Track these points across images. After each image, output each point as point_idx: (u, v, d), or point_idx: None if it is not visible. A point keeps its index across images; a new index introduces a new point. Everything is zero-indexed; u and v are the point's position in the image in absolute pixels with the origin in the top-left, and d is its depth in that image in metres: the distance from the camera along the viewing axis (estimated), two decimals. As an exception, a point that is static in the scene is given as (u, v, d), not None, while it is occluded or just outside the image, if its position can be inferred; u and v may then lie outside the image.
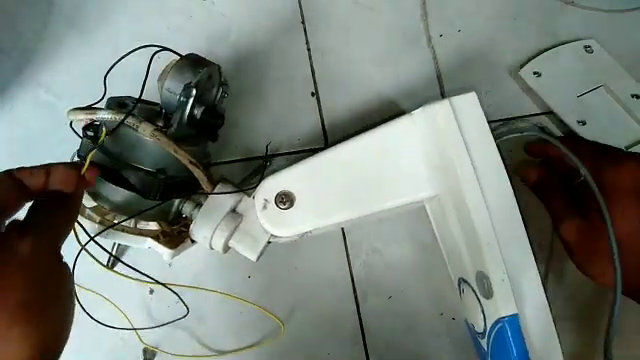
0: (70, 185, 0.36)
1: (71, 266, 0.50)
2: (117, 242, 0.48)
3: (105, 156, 0.42)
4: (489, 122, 0.44)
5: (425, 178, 0.45)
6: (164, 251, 0.44)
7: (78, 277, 0.50)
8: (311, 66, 0.60)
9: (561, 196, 0.46)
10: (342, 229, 0.54)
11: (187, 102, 0.41)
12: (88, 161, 0.37)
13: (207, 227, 0.43)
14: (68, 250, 0.51)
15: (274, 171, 0.50)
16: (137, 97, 0.42)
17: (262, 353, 0.51)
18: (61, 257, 0.34)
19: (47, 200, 0.34)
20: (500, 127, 0.48)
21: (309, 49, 0.60)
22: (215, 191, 0.44)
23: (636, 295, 0.41)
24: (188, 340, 0.51)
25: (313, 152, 0.50)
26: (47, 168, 0.35)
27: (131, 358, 0.50)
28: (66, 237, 0.35)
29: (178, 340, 0.51)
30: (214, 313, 0.52)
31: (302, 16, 0.62)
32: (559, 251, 0.47)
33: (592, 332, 0.52)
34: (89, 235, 0.40)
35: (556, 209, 0.46)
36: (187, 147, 0.42)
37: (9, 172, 0.34)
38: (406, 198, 0.45)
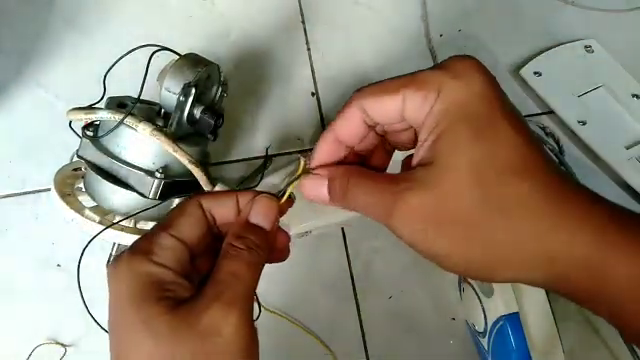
0: (271, 219, 0.28)
1: (75, 266, 0.50)
2: (117, 242, 0.48)
3: (105, 156, 0.42)
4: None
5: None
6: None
7: (81, 276, 0.50)
8: (311, 66, 0.60)
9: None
10: (342, 229, 0.54)
11: (186, 101, 0.41)
12: (289, 191, 0.29)
13: (207, 227, 0.43)
14: (70, 251, 0.51)
15: (274, 171, 0.50)
16: (136, 97, 0.42)
17: (262, 352, 0.51)
18: (254, 325, 0.26)
19: (238, 245, 0.27)
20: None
21: (309, 49, 0.60)
22: (215, 191, 0.44)
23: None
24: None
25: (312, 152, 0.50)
26: (236, 194, 0.29)
27: None
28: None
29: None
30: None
31: (302, 16, 0.62)
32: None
33: (592, 332, 0.51)
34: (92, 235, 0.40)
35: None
36: (186, 146, 0.41)
37: (197, 200, 0.28)
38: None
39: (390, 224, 0.25)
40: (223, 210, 0.28)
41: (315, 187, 0.28)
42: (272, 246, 0.28)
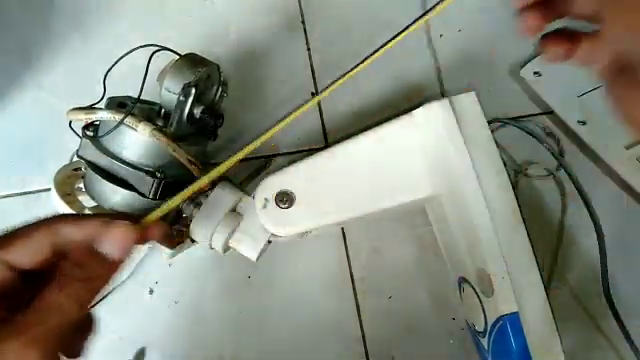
0: (126, 250, 0.26)
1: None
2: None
3: (105, 156, 0.42)
4: (489, 122, 0.44)
5: (425, 178, 0.45)
6: (164, 251, 0.44)
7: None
8: (311, 66, 0.60)
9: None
10: (342, 229, 0.54)
11: (186, 101, 0.41)
12: (155, 215, 0.27)
13: (207, 227, 0.43)
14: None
15: (274, 171, 0.50)
16: (136, 97, 0.42)
17: (262, 352, 0.51)
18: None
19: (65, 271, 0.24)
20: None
21: (309, 49, 0.60)
22: (215, 190, 0.44)
23: None
24: (187, 339, 0.51)
25: (313, 152, 0.50)
26: (99, 221, 0.25)
27: (127, 356, 0.50)
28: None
29: (177, 338, 0.51)
30: (213, 312, 0.52)
31: (302, 16, 0.62)
32: (560, 250, 0.47)
33: (592, 332, 0.52)
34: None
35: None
36: (186, 146, 0.42)
37: (51, 221, 0.25)
38: (406, 198, 0.45)
39: None
40: (79, 235, 0.25)
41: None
42: (110, 278, 0.25)
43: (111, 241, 0.25)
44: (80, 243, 0.25)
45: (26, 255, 0.24)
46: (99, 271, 0.24)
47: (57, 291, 0.23)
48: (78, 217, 0.26)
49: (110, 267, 0.25)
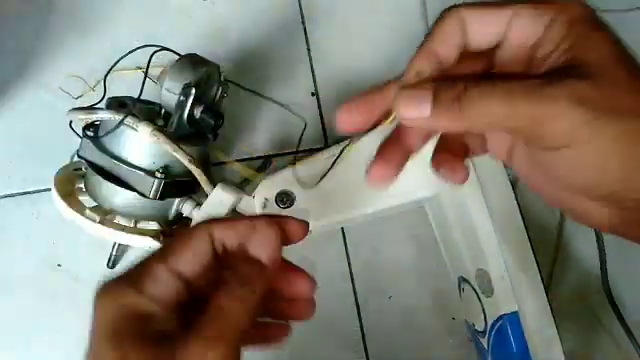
0: (268, 252, 0.25)
1: (75, 266, 0.50)
2: (117, 242, 0.48)
3: (105, 156, 0.42)
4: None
5: (425, 178, 0.45)
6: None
7: (80, 276, 0.50)
8: (311, 66, 0.60)
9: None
10: (342, 229, 0.54)
11: (186, 102, 0.41)
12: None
13: (207, 227, 0.43)
14: (71, 251, 0.51)
15: (274, 171, 0.50)
16: (137, 97, 0.42)
17: (262, 352, 0.51)
18: None
19: (229, 276, 0.24)
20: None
21: (309, 49, 0.60)
22: (215, 190, 0.44)
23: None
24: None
25: (313, 152, 0.50)
26: (252, 221, 0.26)
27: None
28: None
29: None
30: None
31: (302, 16, 0.62)
32: (560, 250, 0.47)
33: (592, 332, 0.52)
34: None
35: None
36: (187, 146, 0.42)
37: (208, 231, 0.25)
38: (406, 198, 0.45)
39: (539, 118, 0.20)
40: (236, 240, 0.25)
41: (415, 100, 0.22)
42: (269, 280, 0.25)
43: (257, 244, 0.25)
44: (235, 248, 0.25)
45: (191, 264, 0.24)
46: (252, 275, 0.24)
47: (221, 294, 0.23)
48: (229, 220, 0.26)
49: (261, 268, 0.25)
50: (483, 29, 0.23)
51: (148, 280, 0.23)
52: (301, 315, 0.28)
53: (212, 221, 0.26)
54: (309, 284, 0.28)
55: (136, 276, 0.24)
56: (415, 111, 0.22)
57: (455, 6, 0.23)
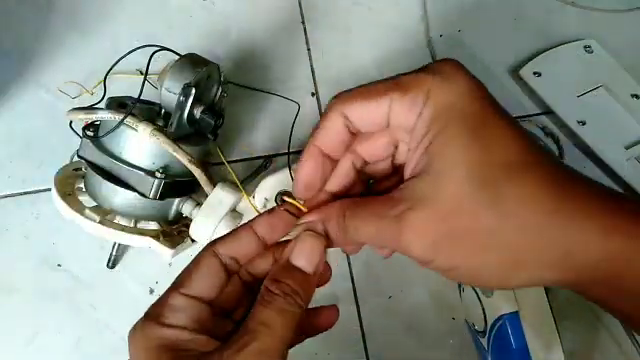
0: (314, 262, 0.26)
1: (75, 266, 0.50)
2: (117, 242, 0.48)
3: (105, 156, 0.42)
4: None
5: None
6: (164, 251, 0.44)
7: (80, 276, 0.50)
8: (311, 66, 0.60)
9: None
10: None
11: (186, 102, 0.41)
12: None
13: (207, 226, 0.43)
14: (71, 251, 0.51)
15: (274, 171, 0.50)
16: (136, 97, 0.42)
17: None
18: None
19: (274, 289, 0.25)
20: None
21: (309, 49, 0.60)
22: (215, 190, 0.44)
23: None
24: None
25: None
26: (252, 227, 0.27)
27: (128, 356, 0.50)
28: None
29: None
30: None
31: (302, 16, 0.62)
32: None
33: (592, 332, 0.52)
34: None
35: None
36: (187, 146, 0.42)
37: (213, 249, 0.26)
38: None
39: (400, 248, 0.24)
40: (243, 249, 0.26)
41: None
42: (313, 290, 0.26)
43: (302, 253, 0.26)
44: (254, 252, 0.27)
45: (204, 284, 0.26)
46: (295, 287, 0.25)
47: (265, 309, 0.24)
48: (229, 233, 0.27)
49: (306, 281, 0.25)
50: (365, 120, 0.25)
51: (167, 311, 0.25)
52: (327, 324, 0.30)
53: (215, 240, 0.27)
54: (330, 272, 0.30)
55: (157, 309, 0.25)
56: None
57: (338, 95, 0.25)
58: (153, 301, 0.26)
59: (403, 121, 0.24)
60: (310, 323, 0.29)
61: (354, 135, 0.26)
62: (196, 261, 0.26)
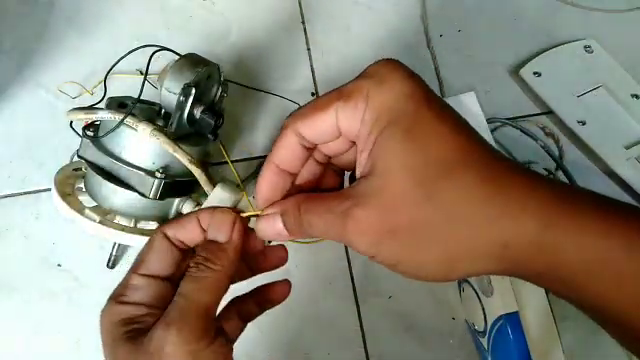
0: (226, 231, 0.28)
1: (76, 266, 0.50)
2: (117, 242, 0.48)
3: (105, 156, 0.42)
4: (488, 121, 0.44)
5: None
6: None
7: (80, 276, 0.50)
8: (311, 66, 0.60)
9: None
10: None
11: (186, 101, 0.41)
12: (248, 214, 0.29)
13: (207, 227, 0.43)
14: (71, 251, 0.51)
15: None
16: (137, 97, 0.42)
17: (262, 352, 0.51)
18: (211, 337, 0.26)
19: (190, 264, 0.27)
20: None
21: (309, 49, 0.60)
22: (215, 190, 0.44)
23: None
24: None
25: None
26: (196, 215, 0.29)
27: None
28: (216, 306, 0.28)
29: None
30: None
31: (302, 16, 0.62)
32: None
33: (592, 332, 0.51)
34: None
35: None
36: (186, 146, 0.42)
37: (162, 231, 0.29)
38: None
39: (346, 242, 0.25)
40: (188, 234, 0.28)
41: (271, 227, 0.28)
42: (236, 257, 0.28)
43: (214, 227, 0.28)
44: (197, 238, 0.29)
45: (159, 264, 0.28)
46: (207, 256, 0.27)
47: (183, 282, 0.27)
48: (177, 220, 0.29)
49: (220, 247, 0.28)
50: (318, 134, 0.26)
51: (126, 290, 0.27)
52: (275, 266, 0.32)
53: (168, 223, 0.29)
54: (282, 250, 0.32)
55: (118, 290, 0.28)
56: (275, 235, 0.28)
57: (291, 114, 0.26)
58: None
59: (350, 128, 0.25)
60: (264, 297, 0.33)
61: (311, 150, 0.27)
62: (149, 243, 0.28)
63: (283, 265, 0.32)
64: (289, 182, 0.28)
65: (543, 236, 0.22)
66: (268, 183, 0.28)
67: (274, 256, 0.32)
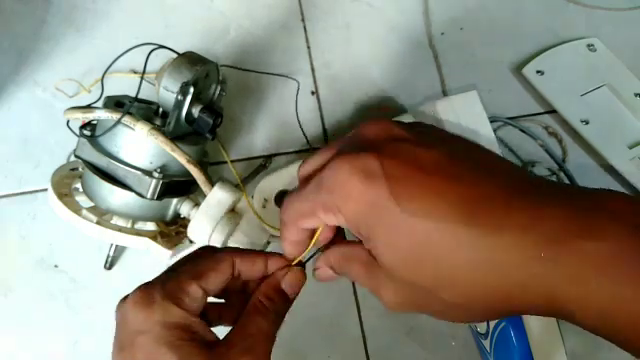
0: (296, 292, 0.32)
1: (73, 266, 0.49)
2: (115, 243, 0.47)
3: (102, 155, 0.41)
4: (490, 120, 0.43)
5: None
6: (162, 252, 0.44)
7: (77, 277, 0.49)
8: (311, 65, 0.59)
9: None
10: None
11: (184, 100, 0.40)
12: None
13: (205, 227, 0.43)
14: (68, 252, 0.50)
15: (273, 171, 0.49)
16: (134, 96, 0.41)
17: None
18: None
19: (268, 305, 0.30)
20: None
21: (309, 47, 0.60)
22: (213, 190, 0.43)
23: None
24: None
25: (313, 152, 0.50)
26: (266, 259, 0.32)
27: None
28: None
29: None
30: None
31: (302, 14, 0.61)
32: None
33: (596, 336, 0.51)
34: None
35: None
36: (185, 146, 0.41)
37: (232, 258, 0.31)
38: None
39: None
40: (254, 272, 0.31)
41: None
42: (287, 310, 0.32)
43: (291, 283, 0.31)
44: (257, 278, 0.31)
45: (216, 284, 0.29)
46: (282, 308, 0.31)
47: (263, 320, 0.29)
48: (251, 255, 0.31)
49: (288, 305, 0.31)
50: (313, 226, 0.29)
51: (185, 296, 0.28)
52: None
53: (237, 252, 0.31)
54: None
55: (176, 293, 0.28)
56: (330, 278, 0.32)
57: (285, 206, 0.29)
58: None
59: (337, 224, 0.28)
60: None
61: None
62: (216, 261, 0.30)
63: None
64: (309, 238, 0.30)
65: (528, 268, 0.22)
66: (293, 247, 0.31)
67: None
